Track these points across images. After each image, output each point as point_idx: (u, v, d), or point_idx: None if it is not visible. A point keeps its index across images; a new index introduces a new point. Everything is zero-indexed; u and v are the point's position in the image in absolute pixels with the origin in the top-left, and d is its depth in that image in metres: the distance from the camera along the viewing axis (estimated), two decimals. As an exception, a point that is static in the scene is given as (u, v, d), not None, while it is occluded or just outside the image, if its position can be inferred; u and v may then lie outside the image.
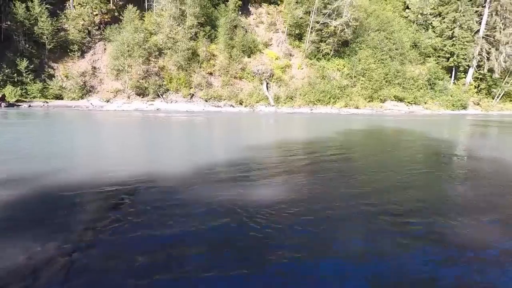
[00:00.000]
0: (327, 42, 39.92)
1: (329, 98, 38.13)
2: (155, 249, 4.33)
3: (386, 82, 41.60)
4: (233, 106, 34.46)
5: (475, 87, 48.57)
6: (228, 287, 3.65)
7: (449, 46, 45.99)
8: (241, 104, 35.00)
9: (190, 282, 3.66)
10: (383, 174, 8.64)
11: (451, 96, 44.88)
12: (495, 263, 4.27)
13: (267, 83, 37.56)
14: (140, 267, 3.87)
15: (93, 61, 33.97)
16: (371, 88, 40.60)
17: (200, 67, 35.91)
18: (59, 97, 30.91)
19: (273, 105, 35.76)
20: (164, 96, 33.83)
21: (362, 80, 40.75)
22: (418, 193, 7.06)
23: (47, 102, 29.24)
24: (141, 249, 4.31)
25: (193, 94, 34.81)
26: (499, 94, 48.53)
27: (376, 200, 6.39)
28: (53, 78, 31.23)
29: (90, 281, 3.54)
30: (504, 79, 48.01)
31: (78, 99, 31.16)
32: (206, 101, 34.45)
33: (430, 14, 46.86)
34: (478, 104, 47.62)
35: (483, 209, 6.21)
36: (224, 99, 34.88)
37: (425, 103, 43.25)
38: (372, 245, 4.68)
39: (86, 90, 32.24)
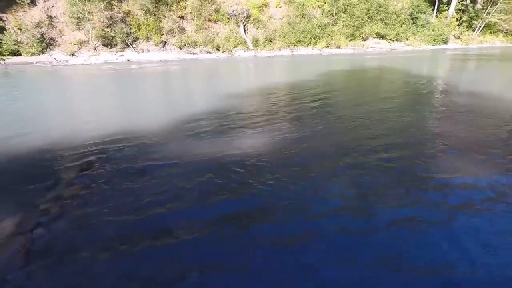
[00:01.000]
0: (305, -25, 36.83)
1: (310, 38, 36.40)
2: (130, 218, 3.95)
3: (368, 18, 39.79)
4: (210, 53, 32.49)
5: (457, 19, 47.44)
6: (214, 248, 3.37)
7: (433, -25, 43.53)
8: (218, 49, 32.99)
9: (171, 249, 3.36)
10: (365, 116, 8.34)
11: (433, 30, 43.80)
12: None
13: (244, 25, 35.18)
14: (111, 241, 3.51)
15: (47, 8, 30.32)
16: (353, 26, 38.86)
17: (170, 11, 32.87)
18: (16, 53, 28.00)
19: (252, 49, 33.94)
20: (134, 45, 31.31)
21: (343, 18, 38.75)
22: (402, 133, 6.85)
23: (3, 60, 26.54)
24: (113, 219, 3.92)
25: (165, 42, 32.36)
26: (480, 26, 47.77)
27: (359, 142, 6.14)
28: (5, 32, 27.96)
29: (53, 262, 3.17)
30: (486, 10, 46.91)
31: (39, 54, 28.40)
32: (181, 48, 32.24)
33: None
34: (458, 38, 46.95)
35: (466, 144, 6.09)
36: (199, 45, 32.69)
37: (407, 39, 42.18)
38: (356, 186, 4.48)
39: (45, 44, 29.26)
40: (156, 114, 9.27)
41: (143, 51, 30.95)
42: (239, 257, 3.23)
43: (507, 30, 49.22)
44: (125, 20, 31.30)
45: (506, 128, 7.06)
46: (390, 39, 40.96)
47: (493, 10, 46.55)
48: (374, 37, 40.28)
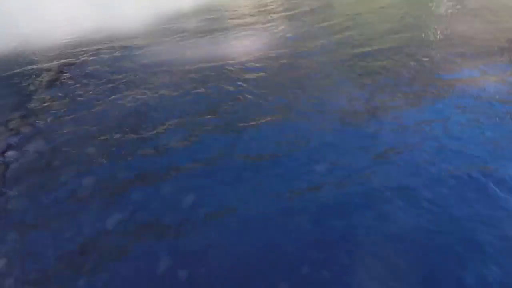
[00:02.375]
0: None
1: None
2: (109, 133, 3.50)
3: None
4: None
5: None
6: (196, 155, 3.04)
7: None
8: None
9: (156, 162, 3.03)
10: (362, 16, 7.21)
11: None
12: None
13: None
14: (92, 160, 3.13)
15: None
16: None
17: None
18: None
19: None
20: None
21: None
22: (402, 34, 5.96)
23: None
24: (92, 135, 3.48)
25: None
26: None
27: (356, 44, 5.35)
28: None
29: (31, 188, 2.84)
30: None
31: None
32: None
33: None
34: None
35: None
36: None
37: None
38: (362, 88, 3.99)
39: None
40: (135, 10, 7.92)
41: None
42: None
43: None
44: None
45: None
46: None
47: None
48: None
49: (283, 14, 7.23)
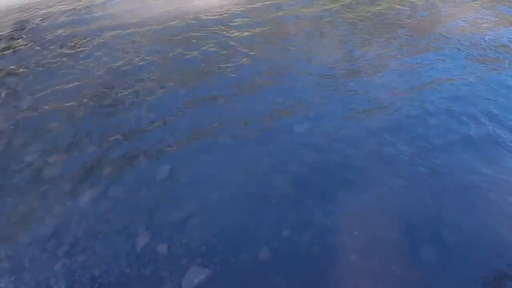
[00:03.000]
0: None
1: None
2: (73, 105, 3.26)
3: None
4: None
5: None
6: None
7: None
8: None
9: (127, 136, 2.88)
10: None
11: None
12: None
13: None
14: (52, 136, 2.93)
15: None
16: None
17: None
18: None
19: None
20: None
21: None
22: None
23: None
24: (51, 110, 3.23)
25: None
26: None
27: None
28: None
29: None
30: None
31: None
32: None
33: None
34: None
35: None
36: None
37: None
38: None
39: None
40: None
41: None
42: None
43: None
44: None
45: None
46: None
47: None
48: None
49: None
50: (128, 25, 4.51)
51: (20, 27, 4.79)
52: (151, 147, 2.73)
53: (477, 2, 4.75)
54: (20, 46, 4.35)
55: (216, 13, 4.64)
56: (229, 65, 3.61)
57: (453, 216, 2.09)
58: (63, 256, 2.05)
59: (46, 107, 3.24)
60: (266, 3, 4.87)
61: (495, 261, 1.86)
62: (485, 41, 3.85)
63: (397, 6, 4.71)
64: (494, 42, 3.82)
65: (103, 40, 4.22)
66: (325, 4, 4.85)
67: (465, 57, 3.60)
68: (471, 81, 3.21)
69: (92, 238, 2.11)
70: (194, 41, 4.05)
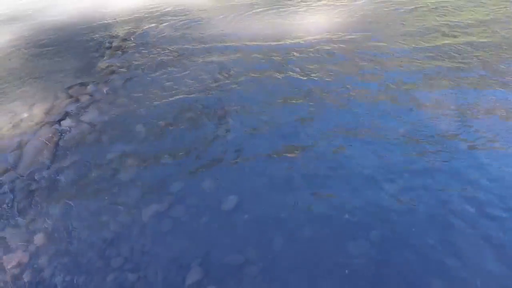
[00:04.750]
0: None
1: None
2: (166, 109, 3.35)
3: None
4: None
5: None
6: None
7: None
8: None
9: (210, 151, 2.79)
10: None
11: None
12: None
13: None
14: (143, 141, 3.01)
15: None
16: None
17: None
18: None
19: None
20: None
21: None
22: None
23: None
24: (148, 110, 3.36)
25: None
26: None
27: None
28: None
29: (80, 161, 2.81)
30: None
31: None
32: None
33: None
34: None
35: None
36: None
37: None
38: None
39: None
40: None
41: None
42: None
43: None
44: None
45: None
46: None
47: None
48: None
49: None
50: (230, 40, 4.60)
51: (134, 29, 5.28)
52: (224, 173, 2.60)
53: None
54: (129, 47, 4.76)
55: (313, 38, 4.46)
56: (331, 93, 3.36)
57: None
58: (116, 269, 2.00)
59: (138, 109, 3.40)
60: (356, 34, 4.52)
61: None
62: None
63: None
64: None
65: (206, 52, 4.36)
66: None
67: None
68: None
69: (146, 259, 2.02)
70: (283, 65, 3.91)
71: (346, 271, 1.89)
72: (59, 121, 3.27)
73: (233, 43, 4.51)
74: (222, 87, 3.61)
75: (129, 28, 5.22)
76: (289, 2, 5.74)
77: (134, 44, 4.83)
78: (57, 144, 3.00)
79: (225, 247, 2.07)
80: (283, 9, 5.48)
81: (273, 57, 4.08)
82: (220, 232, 2.16)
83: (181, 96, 3.54)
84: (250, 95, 3.46)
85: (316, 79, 3.62)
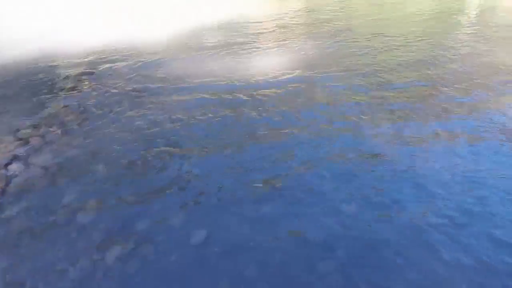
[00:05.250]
0: None
1: None
2: (120, 151, 3.28)
3: None
4: None
5: None
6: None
7: None
8: None
9: (166, 188, 2.76)
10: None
11: None
12: None
13: None
14: (100, 187, 2.89)
15: None
16: None
17: None
18: None
19: None
20: None
21: None
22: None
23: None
24: (104, 155, 3.26)
25: None
26: None
27: (378, 70, 5.06)
28: None
29: (30, 208, 2.60)
30: None
31: None
32: None
33: None
34: None
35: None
36: None
37: None
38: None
39: None
40: (158, 23, 7.90)
41: None
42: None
43: None
44: None
45: None
46: None
47: None
48: None
49: (305, 31, 7.05)
50: (183, 81, 4.73)
51: (89, 70, 5.22)
52: (190, 207, 2.58)
53: None
54: (84, 88, 4.67)
55: (262, 77, 4.77)
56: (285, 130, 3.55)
57: None
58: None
59: (97, 149, 3.29)
60: (306, 71, 4.96)
61: None
62: None
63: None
64: None
65: (158, 92, 4.42)
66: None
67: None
68: None
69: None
70: (237, 102, 4.10)
71: (319, 292, 1.94)
72: (5, 166, 3.03)
73: (188, 83, 4.65)
74: (181, 125, 3.67)
75: (84, 69, 5.16)
76: (240, 45, 6.14)
77: (89, 84, 4.76)
78: (3, 191, 2.76)
79: (197, 282, 2.01)
80: (235, 52, 5.83)
81: (226, 96, 4.26)
82: (191, 267, 2.10)
83: (140, 135, 3.52)
84: (208, 132, 3.55)
85: (269, 116, 3.83)
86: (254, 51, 5.84)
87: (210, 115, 3.84)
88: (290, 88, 4.41)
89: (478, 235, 2.26)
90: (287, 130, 3.53)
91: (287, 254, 2.17)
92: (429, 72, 4.90)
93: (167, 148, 3.28)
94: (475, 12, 8.84)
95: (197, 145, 3.32)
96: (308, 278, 2.03)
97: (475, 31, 7.02)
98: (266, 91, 4.35)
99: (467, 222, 2.36)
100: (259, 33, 6.94)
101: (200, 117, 3.78)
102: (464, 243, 2.20)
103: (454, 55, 5.54)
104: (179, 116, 3.82)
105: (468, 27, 7.57)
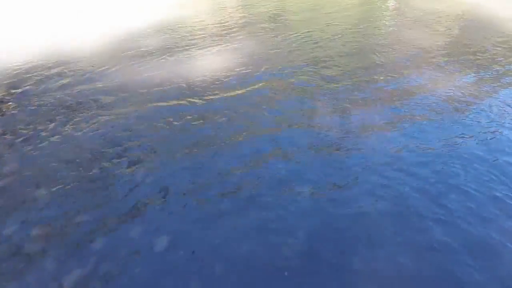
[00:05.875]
0: None
1: None
2: (61, 172, 3.07)
3: None
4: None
5: None
6: None
7: None
8: None
9: (118, 204, 2.67)
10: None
11: None
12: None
13: None
14: (36, 207, 2.68)
15: None
16: None
17: None
18: None
19: None
20: None
21: None
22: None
23: None
24: (37, 177, 3.02)
25: None
26: None
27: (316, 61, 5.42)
28: None
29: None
30: None
31: None
32: None
33: None
34: None
35: None
36: None
37: None
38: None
39: None
40: (86, 32, 7.40)
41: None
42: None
43: None
44: None
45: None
46: None
47: None
48: None
49: (244, 28, 7.16)
50: (120, 90, 4.55)
51: (12, 90, 4.74)
52: (149, 217, 2.52)
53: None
54: (9, 109, 4.24)
55: (203, 79, 4.79)
56: (238, 138, 3.60)
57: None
58: None
59: (32, 174, 3.03)
60: (246, 69, 5.10)
61: None
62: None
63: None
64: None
65: (95, 105, 4.19)
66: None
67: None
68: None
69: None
70: (181, 105, 4.08)
71: (286, 273, 2.05)
72: None
73: (127, 94, 4.48)
74: (126, 136, 3.54)
75: (9, 89, 4.67)
76: (179, 48, 6.04)
77: (14, 105, 4.33)
78: None
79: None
80: (174, 55, 5.73)
81: (169, 105, 4.18)
82: (158, 275, 2.07)
83: (80, 151, 3.32)
84: (155, 144, 3.48)
85: (217, 119, 3.88)
86: (195, 53, 5.79)
87: (156, 124, 3.76)
88: (235, 88, 4.49)
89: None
90: (241, 133, 3.60)
91: (252, 244, 2.26)
92: (366, 60, 5.32)
93: (111, 163, 3.14)
94: (394, 1, 9.75)
95: (145, 154, 3.24)
96: (274, 262, 2.13)
97: (397, 18, 7.77)
98: (210, 96, 4.37)
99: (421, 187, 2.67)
100: (197, 33, 6.88)
101: (144, 127, 3.68)
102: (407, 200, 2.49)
103: (383, 42, 6.08)
104: (121, 130, 3.68)
105: (390, 15, 8.33)
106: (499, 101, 4.08)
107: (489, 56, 5.30)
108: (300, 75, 4.80)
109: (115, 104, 4.20)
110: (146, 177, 2.93)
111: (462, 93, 4.26)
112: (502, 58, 5.24)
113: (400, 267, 2.10)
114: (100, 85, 4.68)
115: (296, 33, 6.75)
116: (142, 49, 6.05)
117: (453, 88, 4.37)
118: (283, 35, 6.66)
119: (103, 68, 5.27)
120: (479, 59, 5.22)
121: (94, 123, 3.79)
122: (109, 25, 7.72)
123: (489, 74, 4.74)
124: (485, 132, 3.46)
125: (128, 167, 3.07)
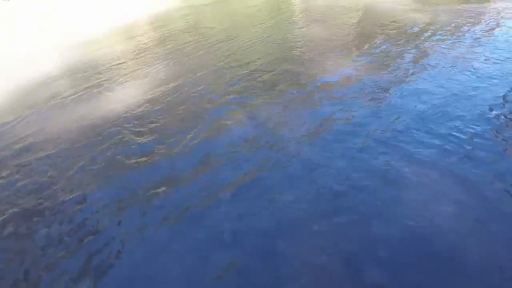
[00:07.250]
0: None
1: None
2: None
3: None
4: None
5: None
6: None
7: None
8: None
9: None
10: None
11: None
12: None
13: None
14: None
15: None
16: None
17: None
18: None
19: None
20: None
21: None
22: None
23: None
24: None
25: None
26: None
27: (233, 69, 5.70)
28: None
29: None
30: None
31: None
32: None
33: None
34: None
35: None
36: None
37: None
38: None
39: None
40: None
41: None
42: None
43: None
44: None
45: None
46: None
47: None
48: None
49: (156, 55, 7.15)
50: (38, 137, 4.34)
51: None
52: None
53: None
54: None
55: (122, 111, 4.72)
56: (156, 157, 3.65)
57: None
58: None
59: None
60: (167, 90, 5.13)
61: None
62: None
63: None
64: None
65: (10, 156, 3.96)
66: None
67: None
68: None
69: None
70: (105, 143, 4.04)
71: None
72: None
73: (37, 139, 4.28)
74: (53, 183, 3.42)
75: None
76: (91, 85, 5.86)
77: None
78: None
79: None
80: (86, 94, 5.55)
81: (91, 143, 4.09)
82: None
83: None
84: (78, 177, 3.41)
85: (146, 139, 3.95)
86: (108, 87, 5.64)
87: (77, 163, 3.66)
88: (160, 107, 4.55)
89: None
90: (172, 149, 3.70)
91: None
92: (283, 54, 5.69)
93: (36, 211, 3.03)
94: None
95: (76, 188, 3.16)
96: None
97: (304, 13, 8.44)
98: (133, 122, 4.35)
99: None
100: (107, 68, 6.71)
101: (69, 173, 3.56)
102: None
103: (296, 37, 6.58)
104: (41, 176, 3.52)
105: (297, 11, 9.00)
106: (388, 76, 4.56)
107: (381, 41, 5.87)
108: (226, 80, 4.94)
109: (31, 153, 3.96)
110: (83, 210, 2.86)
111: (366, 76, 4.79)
112: (394, 41, 5.84)
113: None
114: (14, 139, 4.39)
115: (213, 42, 6.95)
116: (53, 93, 5.73)
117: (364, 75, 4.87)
118: (200, 46, 6.79)
119: (13, 119, 4.91)
120: (374, 43, 5.79)
121: (8, 177, 3.55)
122: (6, 77, 7.15)
123: (384, 54, 5.30)
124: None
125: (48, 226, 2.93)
